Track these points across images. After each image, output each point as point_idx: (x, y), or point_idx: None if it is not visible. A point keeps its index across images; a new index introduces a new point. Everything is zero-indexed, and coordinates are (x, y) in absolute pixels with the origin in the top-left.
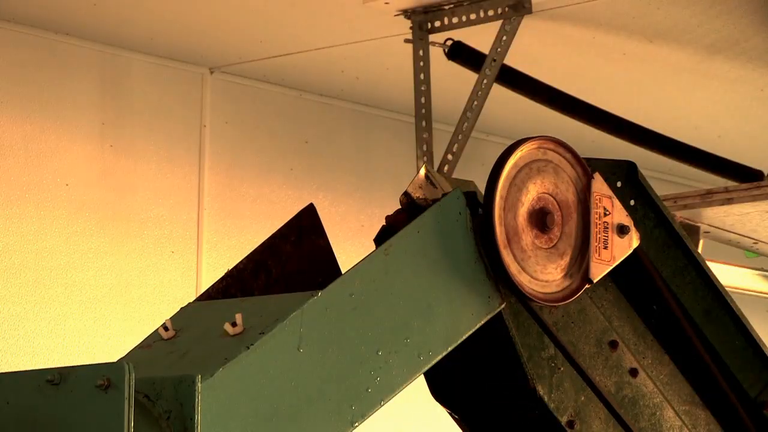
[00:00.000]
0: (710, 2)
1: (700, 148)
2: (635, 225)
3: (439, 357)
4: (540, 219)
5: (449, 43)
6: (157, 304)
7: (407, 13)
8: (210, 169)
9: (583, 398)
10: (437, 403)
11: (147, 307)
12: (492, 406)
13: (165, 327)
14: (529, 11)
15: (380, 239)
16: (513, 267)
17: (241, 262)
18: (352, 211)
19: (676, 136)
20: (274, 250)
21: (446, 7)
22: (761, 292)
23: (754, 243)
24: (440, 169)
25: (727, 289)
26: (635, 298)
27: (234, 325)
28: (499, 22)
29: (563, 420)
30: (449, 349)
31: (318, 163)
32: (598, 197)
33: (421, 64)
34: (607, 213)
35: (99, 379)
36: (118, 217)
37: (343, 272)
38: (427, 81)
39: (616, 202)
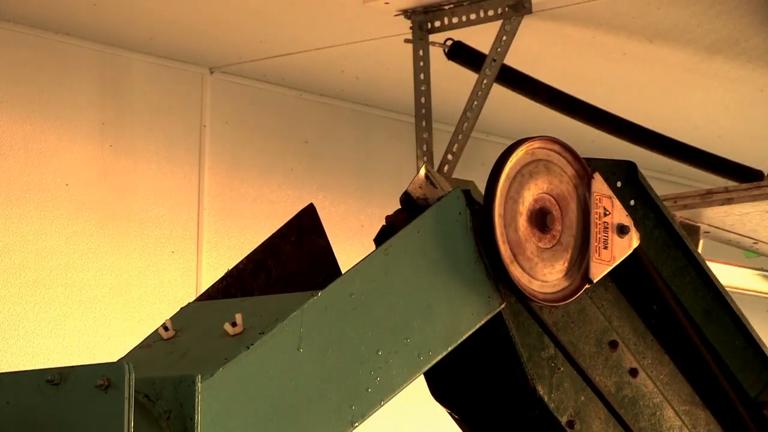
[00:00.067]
0: (710, 2)
1: (700, 148)
2: (635, 225)
3: (439, 357)
4: (540, 219)
5: (449, 43)
6: (157, 304)
7: (407, 13)
8: (210, 169)
9: (583, 398)
10: (437, 403)
11: (147, 307)
12: (492, 406)
13: (165, 327)
14: (529, 11)
15: (380, 239)
16: (513, 267)
17: (241, 262)
18: (352, 211)
19: (676, 136)
20: (274, 250)
21: (446, 7)
22: (761, 292)
23: (754, 243)
24: (440, 169)
25: (727, 289)
26: (635, 298)
27: (234, 325)
28: (499, 22)
29: (563, 420)
30: (449, 349)
31: (318, 163)
32: (598, 197)
33: (421, 64)
34: (607, 213)
35: (99, 379)
36: (118, 217)
37: (343, 272)
38: (427, 81)
39: (616, 202)
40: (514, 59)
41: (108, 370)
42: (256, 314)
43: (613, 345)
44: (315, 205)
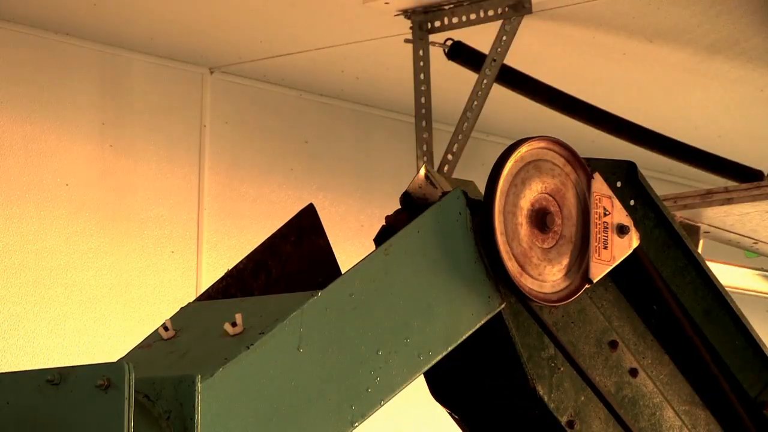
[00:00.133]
0: (710, 2)
1: (700, 148)
2: (635, 225)
3: (439, 357)
4: (540, 219)
5: (449, 43)
6: (157, 304)
7: (407, 13)
8: (210, 169)
9: (583, 398)
10: (437, 403)
11: (147, 307)
12: (492, 406)
13: (165, 327)
14: (529, 11)
15: (380, 239)
16: (513, 267)
17: (241, 262)
18: (352, 211)
19: (676, 136)
20: (274, 250)
21: (446, 7)
22: (761, 292)
23: (754, 243)
24: (440, 169)
25: (727, 289)
26: (635, 298)
27: (234, 325)
28: (499, 22)
29: (563, 420)
30: (449, 349)
31: (318, 163)
32: (598, 197)
33: (421, 64)
34: (607, 213)
35: (99, 379)
36: (118, 217)
37: (343, 272)
38: (427, 81)
39: (616, 202)
40: (514, 59)
41: (108, 370)
42: (256, 314)
43: (613, 345)
44: (315, 205)
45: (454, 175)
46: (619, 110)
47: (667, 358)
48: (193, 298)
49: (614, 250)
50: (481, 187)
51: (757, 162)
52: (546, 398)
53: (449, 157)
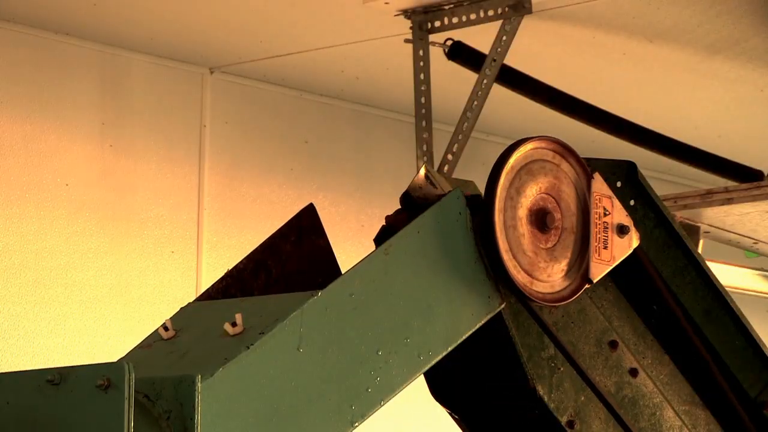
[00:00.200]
0: (710, 2)
1: (700, 148)
2: (635, 225)
3: (439, 357)
4: (540, 219)
5: (449, 43)
6: (157, 304)
7: (407, 13)
8: (210, 169)
9: (583, 398)
10: (437, 403)
11: (147, 307)
12: (492, 406)
13: (165, 327)
14: (529, 11)
15: (380, 239)
16: (513, 267)
17: (241, 262)
18: (352, 211)
19: (676, 136)
20: (274, 250)
21: (446, 7)
22: (761, 292)
23: (754, 243)
24: (440, 169)
25: (727, 289)
26: (635, 298)
27: (234, 325)
28: (499, 22)
29: (563, 420)
30: (449, 349)
31: (318, 163)
32: (598, 197)
33: (421, 64)
34: (607, 213)
35: (99, 379)
36: (118, 217)
37: (343, 272)
38: (427, 81)
39: (616, 202)
40: (514, 59)
41: (108, 370)
42: (256, 314)
43: (613, 345)
44: (315, 205)
45: (454, 175)
46: (619, 110)
47: (667, 358)
48: (193, 298)
49: (614, 250)
50: (481, 187)
51: (757, 162)
52: (546, 398)
53: (449, 157)
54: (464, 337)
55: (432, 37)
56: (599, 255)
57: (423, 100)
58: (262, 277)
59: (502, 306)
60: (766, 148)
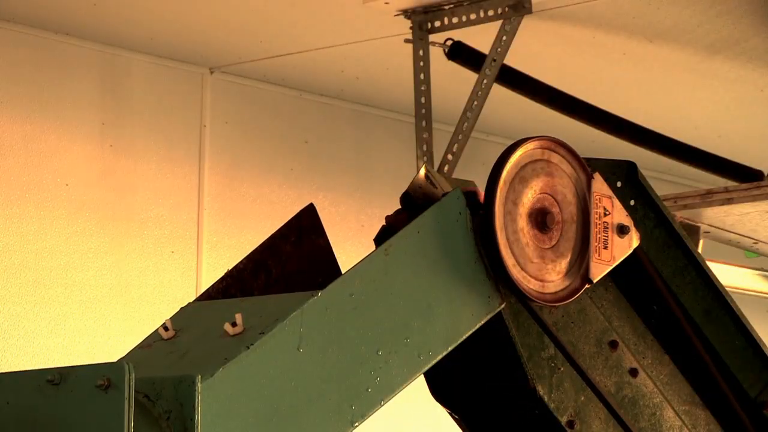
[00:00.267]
0: (710, 2)
1: (700, 148)
2: (635, 225)
3: (439, 357)
4: (540, 219)
5: (449, 43)
6: (157, 304)
7: (407, 13)
8: (210, 169)
9: (583, 398)
10: (437, 403)
11: (147, 307)
12: (492, 407)
13: (165, 327)
14: (529, 11)
15: (380, 239)
16: (513, 267)
17: (241, 262)
18: (352, 211)
19: (676, 136)
20: (274, 250)
21: (446, 7)
22: (761, 292)
23: (754, 243)
24: (440, 169)
25: (727, 289)
26: (635, 298)
27: (234, 325)
28: (499, 22)
29: (563, 420)
30: (449, 349)
31: (318, 163)
32: (598, 197)
33: (421, 64)
34: (607, 213)
35: (99, 379)
36: (118, 217)
37: (343, 272)
38: (427, 81)
39: (616, 202)
40: (514, 59)
41: (108, 370)
42: (256, 314)
43: (613, 345)
44: (315, 205)
45: (454, 175)
46: (619, 110)
47: (667, 358)
48: (193, 298)
49: (614, 250)
50: (481, 187)
51: (757, 162)
52: (546, 398)
53: (449, 157)
54: (464, 337)
55: (432, 37)
56: (599, 255)
57: (423, 100)
58: (262, 277)
59: (502, 306)
60: (766, 148)
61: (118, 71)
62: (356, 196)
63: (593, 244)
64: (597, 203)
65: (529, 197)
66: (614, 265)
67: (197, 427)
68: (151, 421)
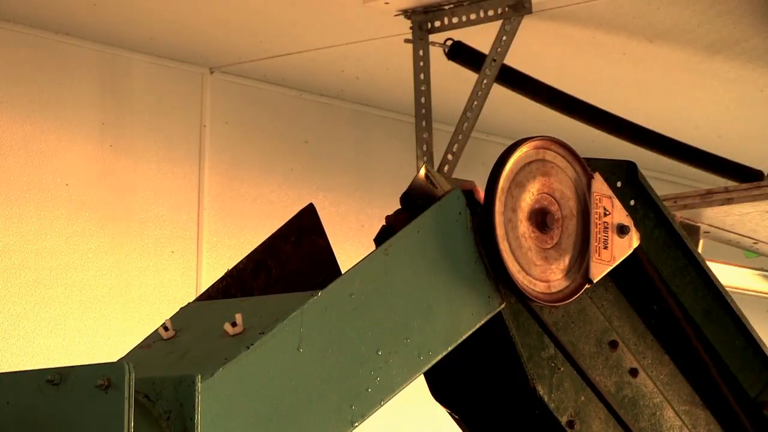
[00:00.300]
0: (710, 2)
1: (700, 148)
2: (635, 225)
3: (439, 357)
4: (540, 219)
5: (449, 43)
6: (157, 304)
7: (407, 13)
8: (210, 169)
9: (583, 398)
10: (437, 403)
11: (147, 307)
12: (492, 407)
13: (165, 327)
14: (529, 11)
15: (380, 239)
16: (513, 267)
17: (241, 262)
18: (352, 211)
19: (676, 136)
20: (274, 250)
21: (446, 7)
22: (761, 292)
23: (754, 243)
24: (440, 169)
25: (727, 289)
26: (635, 298)
27: (234, 325)
28: (499, 22)
29: (563, 420)
30: (449, 349)
31: (318, 163)
32: (598, 197)
33: (421, 64)
34: (607, 213)
35: (99, 379)
36: (118, 217)
37: (343, 272)
38: (427, 81)
39: (616, 202)
40: (514, 59)
41: (108, 370)
42: (256, 314)
43: (613, 345)
44: (315, 205)
45: (454, 175)
46: (619, 110)
47: (667, 358)
48: (193, 298)
49: (614, 250)
50: (482, 187)
51: (757, 162)
52: (546, 398)
53: (449, 157)
54: (464, 337)
55: (432, 37)
56: (599, 255)
57: (423, 100)
58: (262, 277)
59: (502, 306)
60: (766, 148)
61: (118, 71)
62: (356, 196)
63: (593, 244)
64: (597, 203)
65: (529, 197)
66: (614, 265)
67: (197, 427)
68: (151, 421)
